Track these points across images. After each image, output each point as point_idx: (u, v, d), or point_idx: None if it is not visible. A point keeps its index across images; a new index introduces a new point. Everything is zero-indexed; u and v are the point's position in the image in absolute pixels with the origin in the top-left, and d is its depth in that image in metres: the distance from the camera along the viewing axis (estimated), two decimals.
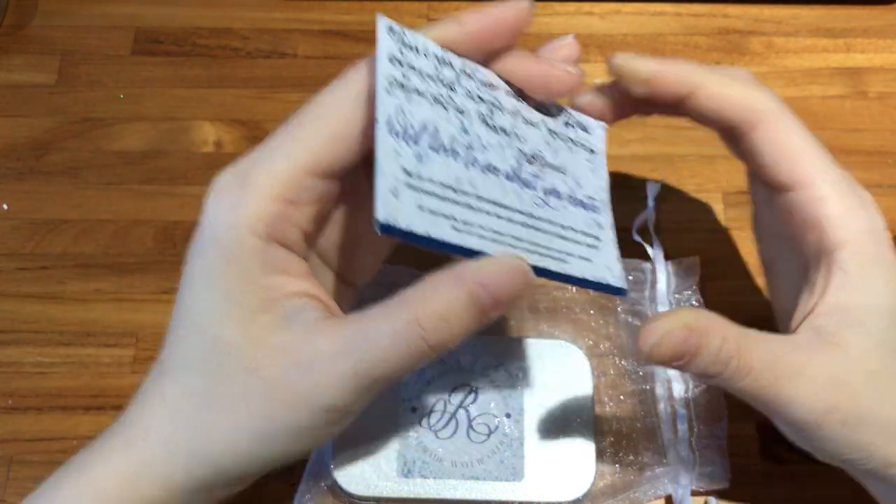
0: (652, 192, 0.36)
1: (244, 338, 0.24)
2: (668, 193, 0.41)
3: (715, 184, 0.42)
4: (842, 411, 0.26)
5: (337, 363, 0.23)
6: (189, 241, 0.38)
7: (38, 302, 0.39)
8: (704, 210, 0.41)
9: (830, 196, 0.27)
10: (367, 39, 0.46)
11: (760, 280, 0.39)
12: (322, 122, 0.25)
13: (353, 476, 0.34)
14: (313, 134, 0.25)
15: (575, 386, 0.36)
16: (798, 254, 0.29)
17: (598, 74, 0.45)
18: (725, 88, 0.28)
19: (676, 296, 0.37)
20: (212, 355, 0.24)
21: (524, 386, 0.36)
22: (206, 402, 0.24)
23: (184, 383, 0.25)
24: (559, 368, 0.36)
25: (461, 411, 0.35)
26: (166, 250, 0.40)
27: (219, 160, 0.42)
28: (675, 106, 0.29)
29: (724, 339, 0.26)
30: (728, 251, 0.40)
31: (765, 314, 0.37)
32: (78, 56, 0.45)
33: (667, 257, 0.37)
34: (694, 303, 0.37)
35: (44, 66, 0.45)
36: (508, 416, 0.35)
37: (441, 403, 0.35)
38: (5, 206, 0.41)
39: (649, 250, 0.37)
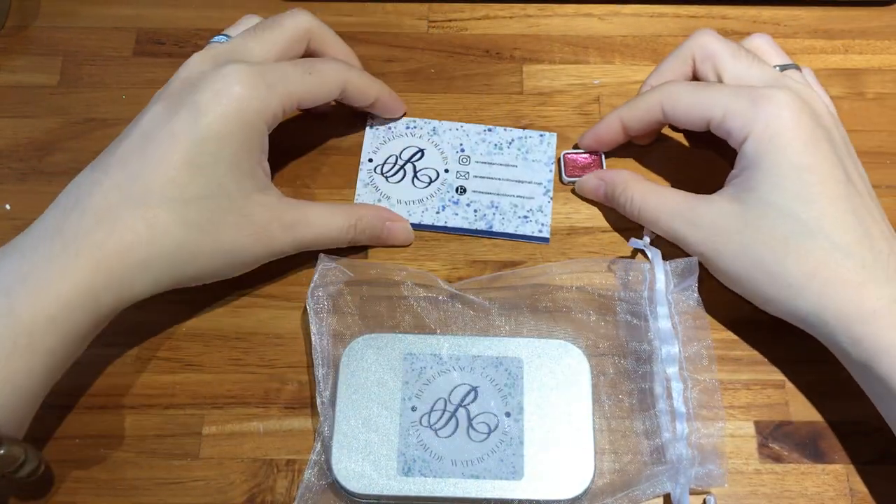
0: None
1: (240, 191, 0.34)
2: None
3: (714, 185, 0.42)
4: (712, 246, 0.35)
5: (295, 230, 0.36)
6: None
7: None
8: None
9: (726, 113, 0.35)
10: (366, 41, 0.46)
11: None
12: (320, 81, 0.37)
13: (354, 474, 0.34)
14: (313, 84, 0.37)
15: (574, 385, 0.36)
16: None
17: (597, 76, 0.45)
18: (640, 104, 0.39)
19: (675, 295, 0.37)
20: (215, 196, 0.33)
21: (524, 385, 0.36)
22: (198, 229, 0.33)
23: (181, 213, 0.33)
24: (559, 368, 0.36)
25: (461, 410, 0.35)
26: None
27: None
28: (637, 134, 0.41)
29: (625, 186, 0.39)
30: None
31: (764, 315, 0.37)
32: (80, 57, 0.45)
33: (666, 258, 0.38)
34: (692, 302, 0.37)
35: (46, 66, 0.45)
36: (508, 415, 0.35)
37: (441, 402, 0.35)
38: (8, 207, 0.41)
39: (648, 251, 0.38)
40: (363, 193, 0.41)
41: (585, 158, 0.42)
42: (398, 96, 0.42)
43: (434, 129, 0.43)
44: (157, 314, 0.38)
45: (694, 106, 0.36)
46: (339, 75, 0.38)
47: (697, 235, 0.36)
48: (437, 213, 0.41)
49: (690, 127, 0.37)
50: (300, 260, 0.39)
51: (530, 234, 0.40)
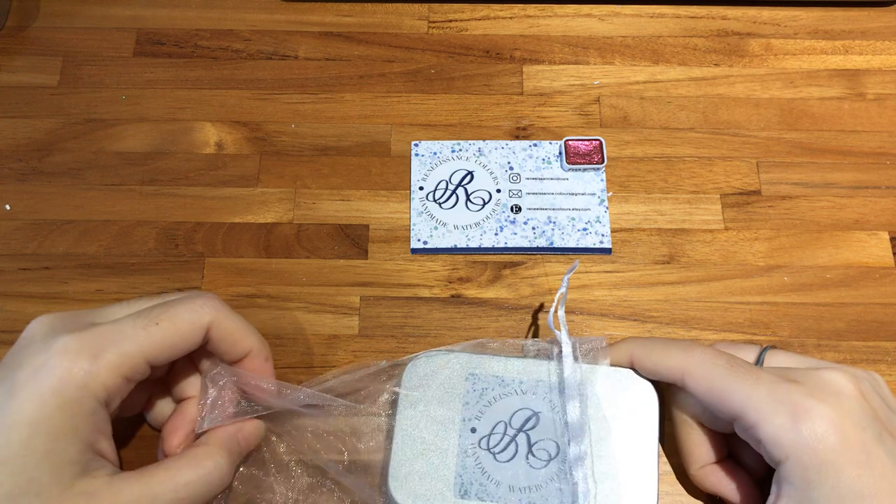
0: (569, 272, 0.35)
1: (57, 483, 0.27)
2: (668, 194, 0.42)
3: (713, 185, 0.42)
4: None
5: None
6: (188, 243, 0.38)
7: (40, 302, 0.39)
8: (702, 211, 0.41)
9: (761, 420, 0.30)
10: (366, 41, 0.46)
11: (759, 280, 0.40)
12: (172, 330, 0.30)
13: (409, 491, 0.33)
14: (161, 335, 0.30)
15: (640, 416, 0.34)
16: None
17: (597, 77, 0.45)
18: (656, 356, 0.33)
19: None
20: (21, 494, 0.27)
21: (587, 414, 0.34)
22: None
23: None
24: (624, 397, 0.34)
25: (521, 435, 0.34)
26: (168, 251, 0.40)
27: (220, 161, 0.42)
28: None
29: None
30: (726, 251, 0.40)
31: (762, 316, 0.37)
32: (80, 57, 0.45)
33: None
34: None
35: (46, 67, 0.45)
36: (570, 442, 0.34)
37: (502, 426, 0.34)
38: (8, 207, 0.41)
39: (561, 341, 0.35)
40: (418, 223, 0.41)
41: (587, 145, 0.42)
42: (273, 366, 0.34)
43: (479, 149, 0.42)
44: None
45: (721, 392, 0.31)
46: (197, 317, 0.31)
47: None
48: (496, 234, 0.40)
49: (711, 409, 0.32)
50: (297, 261, 0.39)
51: (591, 246, 0.40)
